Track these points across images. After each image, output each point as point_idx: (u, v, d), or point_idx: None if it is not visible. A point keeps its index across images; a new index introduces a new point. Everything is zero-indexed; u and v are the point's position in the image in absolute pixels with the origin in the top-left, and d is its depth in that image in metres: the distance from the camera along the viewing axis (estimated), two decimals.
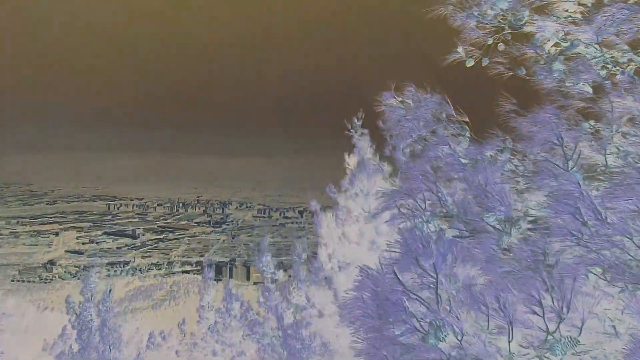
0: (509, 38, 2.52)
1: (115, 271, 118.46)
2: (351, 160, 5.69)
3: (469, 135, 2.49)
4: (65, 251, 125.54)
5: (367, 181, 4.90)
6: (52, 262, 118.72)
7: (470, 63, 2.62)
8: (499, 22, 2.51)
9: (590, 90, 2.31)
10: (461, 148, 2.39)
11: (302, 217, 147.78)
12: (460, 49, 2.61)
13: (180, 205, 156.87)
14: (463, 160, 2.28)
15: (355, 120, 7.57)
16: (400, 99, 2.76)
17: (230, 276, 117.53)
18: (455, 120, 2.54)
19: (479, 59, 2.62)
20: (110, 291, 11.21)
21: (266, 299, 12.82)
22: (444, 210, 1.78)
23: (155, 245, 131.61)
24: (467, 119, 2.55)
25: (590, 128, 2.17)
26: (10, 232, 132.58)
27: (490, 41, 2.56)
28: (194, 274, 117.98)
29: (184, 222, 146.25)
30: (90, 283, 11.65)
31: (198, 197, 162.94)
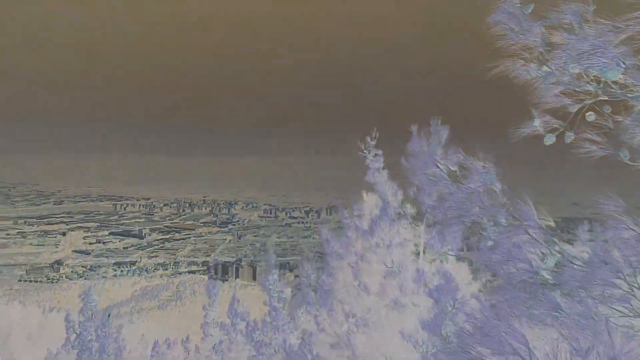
0: (608, 110, 1.87)
1: (121, 271, 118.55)
2: (369, 200, 5.12)
3: (559, 251, 1.85)
4: (72, 251, 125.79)
5: (389, 229, 4.35)
6: (59, 262, 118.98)
7: (550, 140, 1.97)
8: (589, 83, 1.87)
9: None
10: (547, 267, 1.78)
11: (308, 217, 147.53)
12: (537, 122, 1.99)
13: (187, 205, 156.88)
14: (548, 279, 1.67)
15: (369, 140, 7.03)
16: (443, 164, 2.16)
17: (237, 276, 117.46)
18: (535, 224, 1.90)
19: (561, 132, 1.98)
20: (109, 315, 10.75)
21: (273, 318, 12.30)
22: None
23: (162, 245, 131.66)
24: (552, 223, 1.93)
25: None
26: (18, 232, 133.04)
27: (575, 109, 1.93)
28: (200, 274, 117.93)
29: (190, 222, 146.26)
30: (91, 302, 11.20)
31: (204, 197, 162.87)
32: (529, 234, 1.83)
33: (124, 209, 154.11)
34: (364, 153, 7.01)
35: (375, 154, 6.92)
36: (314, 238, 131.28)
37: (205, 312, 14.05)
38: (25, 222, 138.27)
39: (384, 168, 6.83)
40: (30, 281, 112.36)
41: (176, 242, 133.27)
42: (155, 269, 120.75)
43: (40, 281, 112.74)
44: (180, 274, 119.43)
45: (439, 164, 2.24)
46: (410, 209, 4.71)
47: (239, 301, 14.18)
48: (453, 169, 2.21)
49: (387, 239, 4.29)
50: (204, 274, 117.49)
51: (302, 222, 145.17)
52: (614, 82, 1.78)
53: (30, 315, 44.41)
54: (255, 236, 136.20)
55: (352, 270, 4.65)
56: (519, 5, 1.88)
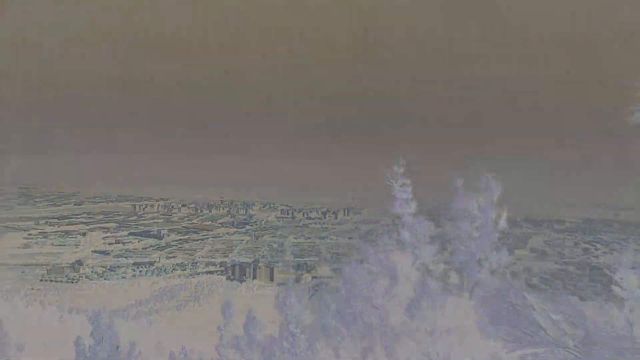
0: None
1: (140, 271, 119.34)
2: (404, 260, 4.39)
3: None
4: (92, 251, 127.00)
5: (431, 310, 3.67)
6: (79, 262, 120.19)
7: None
8: None
9: None
10: None
11: (325, 217, 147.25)
12: None
13: (205, 206, 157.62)
14: None
15: (396, 169, 6.38)
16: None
17: (254, 277, 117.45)
18: None
19: None
20: (117, 348, 10.29)
21: (291, 345, 11.74)
22: None
23: (180, 245, 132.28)
24: None
25: None
26: (40, 232, 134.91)
27: None
28: (218, 274, 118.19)
29: (208, 223, 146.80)
30: (102, 325, 10.80)
31: (222, 198, 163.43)
32: None
33: (143, 209, 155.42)
34: (391, 182, 6.38)
35: (403, 184, 6.28)
36: (330, 239, 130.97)
37: (220, 333, 13.53)
38: (46, 222, 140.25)
39: (412, 199, 6.21)
40: (51, 281, 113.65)
41: (194, 242, 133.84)
42: (173, 269, 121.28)
43: (61, 281, 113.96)
44: (198, 274, 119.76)
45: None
46: (454, 278, 4.05)
47: (255, 318, 13.62)
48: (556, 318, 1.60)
49: (431, 323, 3.62)
50: (221, 275, 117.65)
51: (319, 223, 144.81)
52: None
53: (49, 320, 44.52)
54: (272, 237, 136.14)
55: (385, 351, 4.03)
56: None
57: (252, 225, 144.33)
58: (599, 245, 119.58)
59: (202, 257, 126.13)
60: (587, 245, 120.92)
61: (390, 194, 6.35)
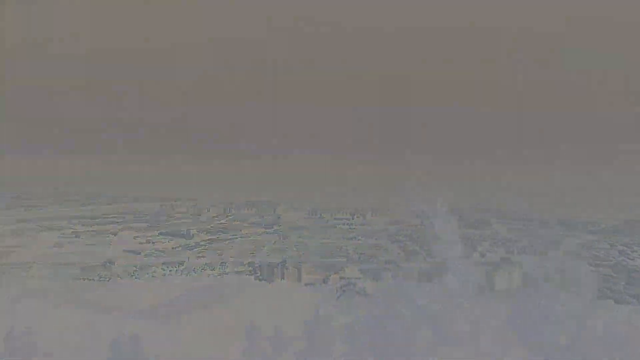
0: None
1: (170, 271, 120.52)
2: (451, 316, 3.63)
3: None
4: (123, 250, 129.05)
5: None
6: (110, 262, 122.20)
7: None
8: None
9: None
10: None
11: (353, 218, 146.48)
12: None
13: (233, 206, 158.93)
14: None
15: (439, 205, 5.53)
16: None
17: (282, 277, 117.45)
18: None
19: None
20: None
21: None
22: None
23: (209, 245, 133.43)
24: None
25: None
26: (72, 231, 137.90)
27: None
28: (246, 274, 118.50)
29: (236, 223, 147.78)
30: (124, 352, 10.43)
31: (250, 198, 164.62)
32: None
33: (173, 209, 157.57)
34: (431, 220, 5.48)
35: (446, 222, 5.37)
36: (359, 240, 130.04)
37: None
38: (79, 221, 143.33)
39: (458, 241, 5.28)
40: (83, 279, 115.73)
41: (223, 242, 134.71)
42: (202, 269, 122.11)
43: (93, 279, 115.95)
44: (227, 274, 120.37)
45: None
46: None
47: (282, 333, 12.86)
48: None
49: None
50: (250, 275, 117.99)
51: (347, 224, 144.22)
52: None
53: (79, 321, 44.56)
54: (300, 237, 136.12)
55: None
56: None
57: (280, 226, 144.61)
58: (635, 247, 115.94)
59: (231, 257, 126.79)
60: (623, 248, 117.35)
61: (433, 234, 5.52)
